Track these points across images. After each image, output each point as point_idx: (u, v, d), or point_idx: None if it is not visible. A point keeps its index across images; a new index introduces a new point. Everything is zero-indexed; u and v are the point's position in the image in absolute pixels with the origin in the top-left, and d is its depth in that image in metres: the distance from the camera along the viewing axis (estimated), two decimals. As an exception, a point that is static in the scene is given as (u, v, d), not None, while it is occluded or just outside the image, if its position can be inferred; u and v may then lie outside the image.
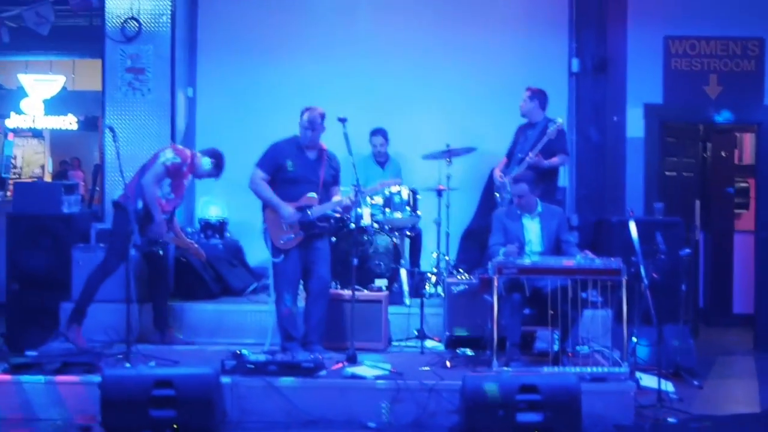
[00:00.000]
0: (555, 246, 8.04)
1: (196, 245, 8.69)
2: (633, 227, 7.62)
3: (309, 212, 7.92)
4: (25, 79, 16.19)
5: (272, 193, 7.95)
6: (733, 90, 10.68)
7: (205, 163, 8.48)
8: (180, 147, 8.57)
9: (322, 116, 8.01)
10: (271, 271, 8.13)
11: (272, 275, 8.10)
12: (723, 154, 12.21)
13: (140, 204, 7.99)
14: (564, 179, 10.22)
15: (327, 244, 8.24)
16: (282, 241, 7.92)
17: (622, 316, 7.37)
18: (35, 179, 17.34)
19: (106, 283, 8.12)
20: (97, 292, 8.08)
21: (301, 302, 8.23)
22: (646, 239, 7.74)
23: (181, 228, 9.85)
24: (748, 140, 12.11)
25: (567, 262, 7.49)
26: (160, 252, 8.45)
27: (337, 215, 8.70)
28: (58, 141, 19.14)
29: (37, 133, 18.42)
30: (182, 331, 8.75)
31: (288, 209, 7.88)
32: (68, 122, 17.49)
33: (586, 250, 7.87)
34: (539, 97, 9.34)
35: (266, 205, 8.02)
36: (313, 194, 7.99)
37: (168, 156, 8.22)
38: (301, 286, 8.26)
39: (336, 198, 8.08)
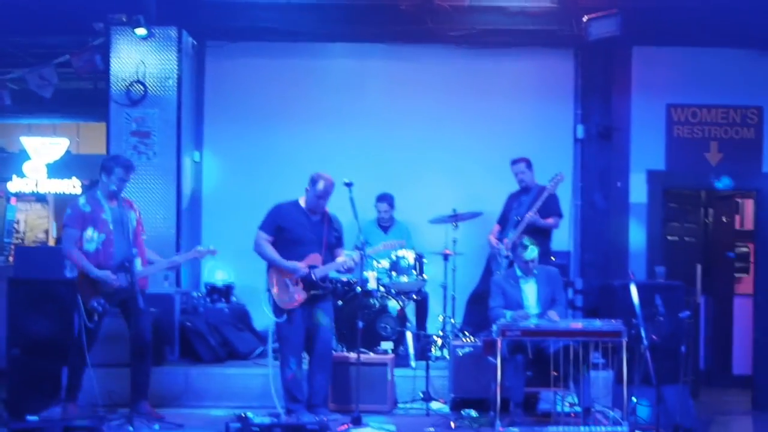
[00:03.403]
0: (551, 307, 8.23)
1: (177, 260, 8.41)
2: (634, 290, 7.69)
3: (312, 273, 7.95)
4: (29, 143, 16.18)
5: (276, 253, 7.96)
6: (733, 157, 10.85)
7: (104, 178, 8.03)
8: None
9: (333, 186, 8.05)
10: (270, 333, 8.14)
11: (276, 337, 8.11)
12: (724, 219, 12.30)
13: (74, 269, 7.87)
14: (568, 243, 10.34)
15: (330, 306, 8.23)
16: (286, 300, 7.93)
17: (622, 376, 7.49)
18: (38, 244, 17.31)
19: (105, 347, 8.19)
20: (82, 370, 7.96)
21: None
22: (647, 302, 7.81)
23: (186, 291, 9.85)
24: (750, 206, 12.19)
25: (571, 324, 7.73)
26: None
27: (344, 279, 8.75)
28: (61, 205, 19.14)
29: (40, 198, 18.36)
30: (188, 396, 8.73)
31: (294, 264, 7.89)
32: (72, 186, 17.50)
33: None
34: (532, 164, 9.63)
35: (270, 266, 8.03)
36: (316, 255, 7.99)
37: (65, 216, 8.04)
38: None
39: (340, 259, 8.11)
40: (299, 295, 7.93)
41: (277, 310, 7.96)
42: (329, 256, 8.09)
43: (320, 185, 7.99)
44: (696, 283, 11.07)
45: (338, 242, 8.26)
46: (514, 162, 9.67)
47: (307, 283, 7.93)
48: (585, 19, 10.04)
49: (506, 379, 7.67)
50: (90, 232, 7.84)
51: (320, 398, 8.04)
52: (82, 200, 7.97)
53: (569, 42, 10.64)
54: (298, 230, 8.02)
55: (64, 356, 8.35)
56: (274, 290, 7.96)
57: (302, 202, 8.12)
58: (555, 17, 10.37)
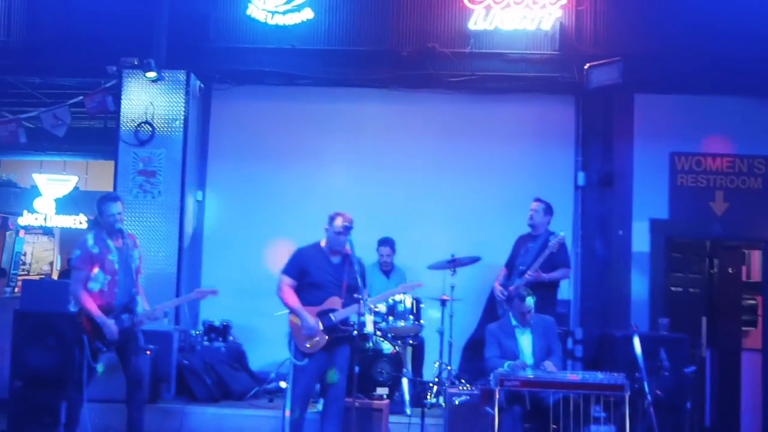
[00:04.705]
0: (547, 358, 8.10)
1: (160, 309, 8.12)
2: (637, 343, 7.59)
3: (332, 316, 7.90)
4: (39, 179, 16.33)
5: (297, 301, 7.92)
6: (739, 207, 10.73)
7: (99, 218, 8.02)
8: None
9: (351, 222, 8.04)
10: (291, 375, 7.99)
11: (290, 379, 7.99)
12: (730, 270, 12.14)
13: (76, 309, 7.84)
14: (568, 292, 10.23)
15: (347, 350, 8.13)
16: (308, 345, 7.87)
17: (625, 432, 7.29)
18: (43, 276, 17.37)
19: (105, 382, 8.08)
20: (80, 406, 7.87)
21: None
22: (650, 355, 7.71)
23: (184, 329, 9.82)
24: (756, 257, 12.06)
25: (571, 376, 7.55)
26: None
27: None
28: (67, 239, 19.25)
29: (47, 231, 18.50)
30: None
31: (310, 320, 7.84)
32: (79, 221, 17.59)
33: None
34: (552, 212, 9.53)
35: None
36: (336, 298, 7.96)
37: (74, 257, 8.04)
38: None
39: (356, 305, 7.95)
40: (321, 340, 7.89)
41: (299, 354, 7.89)
42: (350, 299, 8.03)
43: (338, 222, 8.00)
44: (701, 336, 10.95)
45: (360, 284, 8.15)
46: (537, 199, 9.59)
47: (328, 327, 7.90)
48: (586, 66, 10.10)
49: (503, 430, 7.50)
50: (96, 272, 7.82)
51: None
52: (90, 241, 7.90)
53: (570, 88, 10.66)
54: (318, 274, 8.00)
55: (64, 390, 8.35)
56: (296, 333, 7.91)
57: (323, 244, 8.12)
58: (556, 64, 10.43)
